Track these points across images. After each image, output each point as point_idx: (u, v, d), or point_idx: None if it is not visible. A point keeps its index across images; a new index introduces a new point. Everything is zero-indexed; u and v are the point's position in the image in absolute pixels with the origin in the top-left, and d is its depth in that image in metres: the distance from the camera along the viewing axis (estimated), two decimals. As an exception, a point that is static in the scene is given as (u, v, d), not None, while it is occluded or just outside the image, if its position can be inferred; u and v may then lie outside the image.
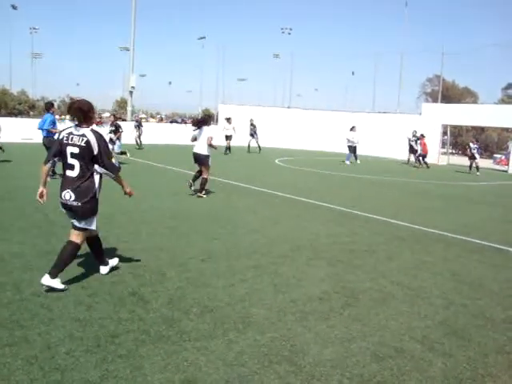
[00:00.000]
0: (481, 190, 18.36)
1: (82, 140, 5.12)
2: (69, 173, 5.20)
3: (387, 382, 3.67)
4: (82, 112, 5.21)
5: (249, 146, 29.83)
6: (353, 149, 26.03)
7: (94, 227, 5.39)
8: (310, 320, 4.73)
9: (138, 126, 27.90)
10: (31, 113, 57.58)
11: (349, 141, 26.14)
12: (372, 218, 10.32)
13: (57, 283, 5.09)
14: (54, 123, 14.19)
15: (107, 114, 39.78)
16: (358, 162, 25.71)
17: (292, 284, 5.73)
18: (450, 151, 39.64)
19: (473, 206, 13.43)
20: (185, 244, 7.27)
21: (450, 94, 60.91)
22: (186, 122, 42.96)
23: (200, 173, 12.06)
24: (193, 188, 11.88)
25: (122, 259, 6.32)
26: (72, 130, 5.21)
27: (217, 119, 40.56)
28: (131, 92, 40.09)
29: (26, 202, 9.78)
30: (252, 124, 30.09)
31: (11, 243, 6.87)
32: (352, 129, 26.42)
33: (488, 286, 6.12)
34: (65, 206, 5.26)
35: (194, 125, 12.28)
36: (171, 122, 50.62)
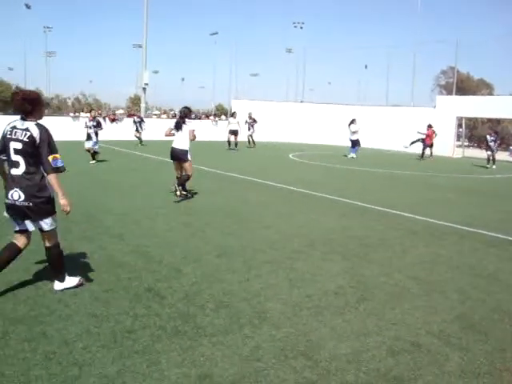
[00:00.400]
0: (496, 182, 18.18)
1: (25, 135, 4.65)
2: (14, 171, 4.72)
3: (404, 376, 3.66)
4: (28, 102, 4.72)
5: (252, 140, 29.26)
6: (355, 142, 25.20)
7: (53, 227, 4.99)
8: (325, 315, 4.72)
9: (140, 122, 27.87)
10: (46, 111, 58.15)
11: (352, 133, 25.26)
12: (385, 211, 10.26)
13: (69, 282, 5.11)
14: None
15: (121, 111, 39.73)
16: (349, 156, 24.89)
17: (307, 279, 5.72)
18: (466, 144, 39.27)
19: (487, 198, 13.30)
20: (199, 239, 7.29)
21: (464, 86, 60.25)
22: (199, 118, 42.96)
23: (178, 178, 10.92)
24: (178, 193, 10.75)
25: (138, 255, 6.36)
26: (16, 123, 4.74)
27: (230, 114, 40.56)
28: (144, 89, 40.18)
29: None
30: (250, 117, 29.58)
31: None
32: (353, 121, 25.53)
33: (505, 280, 6.06)
34: (12, 207, 4.76)
35: (179, 119, 10.88)
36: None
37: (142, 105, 41.15)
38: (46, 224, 4.90)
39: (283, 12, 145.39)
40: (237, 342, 4.08)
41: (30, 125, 4.71)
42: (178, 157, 10.80)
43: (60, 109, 66.28)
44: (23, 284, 5.21)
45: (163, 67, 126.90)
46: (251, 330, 4.31)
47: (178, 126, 10.73)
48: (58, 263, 5.09)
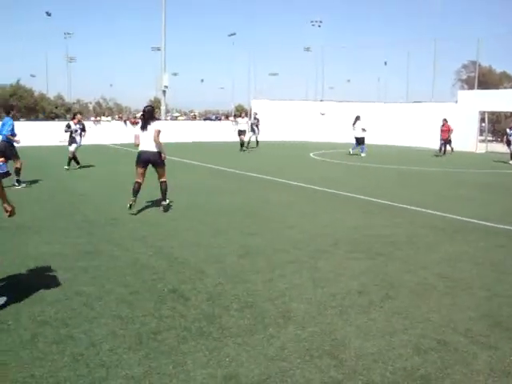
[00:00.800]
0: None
1: None
2: None
3: (431, 375, 3.62)
4: None
5: (249, 141, 28.25)
6: (362, 140, 24.48)
7: None
8: (350, 313, 4.70)
9: None
10: (67, 115, 58.92)
11: (363, 130, 24.49)
12: (409, 208, 10.17)
13: None
14: (12, 129, 12.56)
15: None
16: (362, 154, 24.12)
17: (331, 278, 5.70)
18: (489, 138, 38.67)
19: (510, 194, 13.12)
20: (222, 240, 7.31)
21: (486, 80, 59.33)
22: (219, 119, 43.07)
23: (140, 184, 9.38)
24: (134, 209, 9.23)
25: (162, 256, 6.41)
26: None
27: (250, 115, 40.62)
28: (164, 91, 40.42)
29: (65, 203, 9.98)
30: (255, 118, 29.50)
31: (53, 244, 7.02)
32: (358, 118, 24.94)
33: (532, 276, 5.96)
34: None
35: (143, 120, 9.67)
36: (205, 119, 51.06)
37: (162, 107, 41.42)
38: None
39: (300, 11, 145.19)
40: (262, 342, 4.07)
41: None
42: (152, 160, 9.44)
43: (81, 113, 67.13)
44: (49, 287, 5.27)
45: (182, 69, 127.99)
46: (276, 330, 4.30)
47: (144, 126, 9.43)
48: None
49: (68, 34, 66.56)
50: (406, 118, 32.90)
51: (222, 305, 4.84)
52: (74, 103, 72.16)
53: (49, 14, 57.11)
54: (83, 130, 17.36)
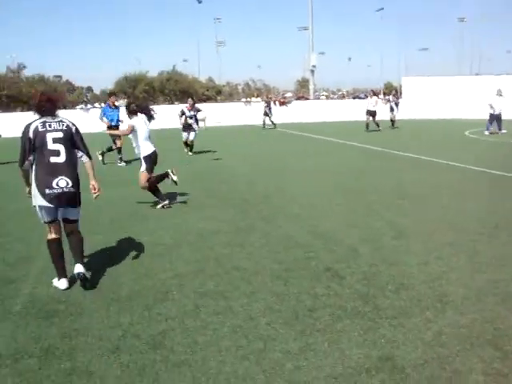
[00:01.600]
0: None
1: (63, 124, 4.96)
2: (54, 159, 4.80)
3: None
4: (53, 102, 5.04)
5: (393, 120, 26.88)
6: (495, 117, 22.18)
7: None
8: (515, 302, 4.40)
9: (268, 107, 28.33)
10: (218, 98, 61.23)
11: (491, 107, 22.25)
12: None
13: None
14: (101, 115, 15.00)
15: (290, 94, 40.63)
16: (504, 131, 21.88)
17: (492, 263, 5.36)
18: None
19: None
20: (375, 220, 7.21)
21: None
22: (366, 97, 42.37)
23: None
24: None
25: (314, 235, 6.50)
26: (45, 119, 4.94)
27: (400, 92, 39.34)
28: (312, 71, 40.51)
29: (220, 182, 10.44)
30: (395, 95, 28.99)
31: (210, 221, 7.40)
32: (497, 92, 22.50)
33: None
34: (59, 196, 4.76)
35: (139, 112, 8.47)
36: (354, 97, 50.48)
37: (311, 87, 41.63)
38: (79, 212, 5.12)
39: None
40: (418, 326, 3.97)
41: (62, 118, 5.07)
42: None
43: (231, 95, 69.55)
44: (209, 261, 5.58)
45: (329, 48, 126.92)
46: (433, 314, 4.16)
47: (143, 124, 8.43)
48: (82, 248, 5.11)
49: (217, 19, 68.82)
50: None
51: (377, 285, 4.78)
52: (223, 85, 74.79)
53: (199, 2, 59.50)
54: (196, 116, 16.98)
